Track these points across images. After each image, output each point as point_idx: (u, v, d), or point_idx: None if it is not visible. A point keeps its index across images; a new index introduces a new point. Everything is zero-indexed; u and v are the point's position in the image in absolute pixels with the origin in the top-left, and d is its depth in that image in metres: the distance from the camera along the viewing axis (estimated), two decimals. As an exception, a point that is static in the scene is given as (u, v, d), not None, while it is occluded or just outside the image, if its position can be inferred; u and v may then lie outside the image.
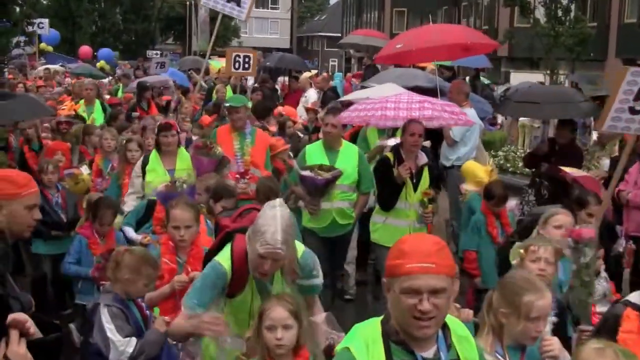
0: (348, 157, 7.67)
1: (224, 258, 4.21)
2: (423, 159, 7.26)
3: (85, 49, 35.41)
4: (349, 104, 9.36)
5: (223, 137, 8.36)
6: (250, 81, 19.63)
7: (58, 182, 8.01)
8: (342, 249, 8.04)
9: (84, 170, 8.74)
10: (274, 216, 3.98)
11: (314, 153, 7.69)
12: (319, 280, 4.50)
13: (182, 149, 7.72)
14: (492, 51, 17.31)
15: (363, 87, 16.13)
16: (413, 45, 10.89)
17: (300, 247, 4.38)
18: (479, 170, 8.26)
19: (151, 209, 6.85)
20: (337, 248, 7.84)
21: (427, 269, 2.65)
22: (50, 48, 30.93)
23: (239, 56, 12.18)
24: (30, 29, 19.53)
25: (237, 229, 4.29)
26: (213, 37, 13.23)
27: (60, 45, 36.53)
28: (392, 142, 8.40)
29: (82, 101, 12.84)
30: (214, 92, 15.54)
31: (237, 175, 8.12)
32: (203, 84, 17.19)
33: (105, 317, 4.38)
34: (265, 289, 4.25)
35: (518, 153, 16.90)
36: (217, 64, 23.43)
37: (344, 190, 7.59)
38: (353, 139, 9.21)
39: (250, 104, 8.73)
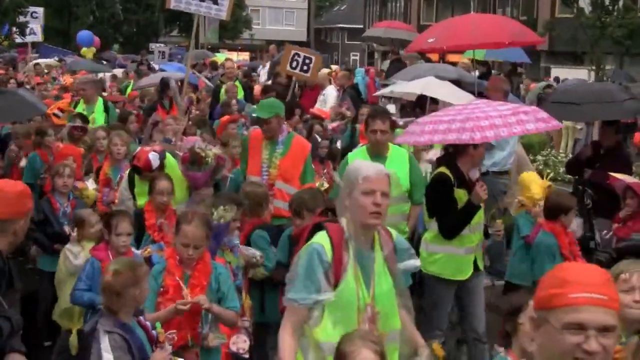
0: (398, 163, 7.35)
1: (319, 237, 4.23)
2: (476, 172, 6.96)
3: (96, 39, 34.63)
4: (374, 103, 9.36)
5: (253, 144, 8.22)
6: (263, 77, 19.70)
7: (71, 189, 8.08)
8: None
9: (90, 184, 8.71)
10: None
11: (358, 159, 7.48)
12: (417, 260, 4.58)
13: (169, 157, 7.79)
14: (532, 45, 17.30)
15: (385, 85, 16.22)
16: (446, 42, 10.89)
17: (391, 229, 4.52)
18: (534, 185, 7.78)
19: (141, 219, 6.96)
20: None
21: (596, 300, 2.42)
22: (90, 52, 30.48)
23: (298, 55, 12.02)
24: (22, 18, 19.73)
25: (325, 220, 4.42)
26: (194, 30, 12.85)
27: (53, 37, 36.63)
28: (432, 154, 8.30)
29: (81, 100, 12.67)
30: (223, 91, 15.53)
31: None
32: (207, 82, 17.13)
33: (104, 346, 4.41)
34: (367, 273, 4.23)
35: (559, 158, 16.88)
36: (222, 56, 23.63)
37: (395, 202, 7.15)
38: None
39: (283, 112, 8.40)
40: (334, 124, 10.95)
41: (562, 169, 14.50)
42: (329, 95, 15.69)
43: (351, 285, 4.15)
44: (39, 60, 24.48)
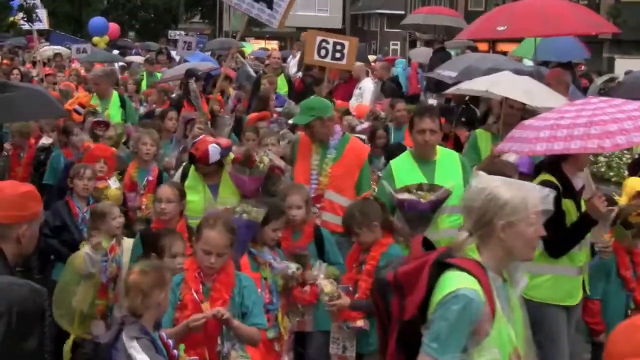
0: (449, 168, 7.07)
1: (466, 281, 3.80)
2: (579, 179, 6.60)
3: (113, 27, 34.46)
4: (416, 96, 9.20)
5: (303, 147, 7.91)
6: (293, 69, 19.64)
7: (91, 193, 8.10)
8: None
9: (113, 183, 8.60)
10: (508, 182, 3.92)
11: (403, 168, 7.12)
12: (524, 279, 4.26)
13: (229, 157, 7.55)
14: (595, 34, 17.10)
15: (430, 78, 16.11)
16: (521, 30, 10.74)
17: None
18: None
19: (148, 238, 6.68)
20: None
21: None
22: (103, 41, 30.59)
23: (326, 41, 11.33)
24: (28, 3, 19.87)
25: (444, 255, 4.00)
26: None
27: (64, 23, 36.88)
28: (512, 157, 8.12)
29: (94, 95, 12.58)
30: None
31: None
32: (251, 71, 16.77)
33: (135, 350, 4.45)
34: (506, 312, 3.95)
35: (624, 159, 16.64)
36: (249, 46, 23.59)
37: (450, 213, 6.90)
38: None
39: (328, 112, 7.99)
40: (365, 125, 10.80)
41: (627, 172, 14.29)
42: (366, 89, 15.59)
43: (503, 331, 3.88)
44: (48, 48, 24.60)
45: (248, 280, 5.56)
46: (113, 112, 12.12)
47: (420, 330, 3.85)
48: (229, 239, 5.41)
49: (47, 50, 24.07)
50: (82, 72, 19.54)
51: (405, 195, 6.70)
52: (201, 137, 7.71)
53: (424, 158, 7.07)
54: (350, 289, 6.21)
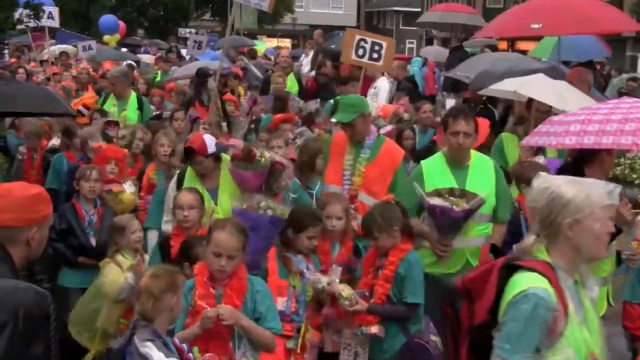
0: (482, 175, 7.02)
1: (536, 281, 3.83)
2: None
3: (120, 25, 33.91)
4: (433, 96, 9.17)
5: (336, 147, 7.85)
6: (306, 67, 19.62)
7: (99, 195, 8.09)
8: None
9: (128, 187, 8.63)
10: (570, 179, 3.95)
11: (435, 170, 7.07)
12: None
13: (226, 158, 7.51)
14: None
15: (447, 77, 16.08)
16: (557, 29, 10.67)
17: None
18: None
19: (166, 247, 6.69)
20: None
21: None
22: (114, 40, 30.61)
23: (364, 41, 11.22)
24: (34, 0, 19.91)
25: (512, 258, 4.00)
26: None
27: (70, 20, 36.89)
28: (541, 160, 8.02)
29: (111, 95, 12.53)
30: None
31: None
32: (256, 71, 16.76)
33: (149, 348, 4.49)
34: (580, 314, 3.95)
35: (648, 161, 16.54)
36: (261, 45, 23.53)
37: (479, 222, 6.97)
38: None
39: (368, 108, 8.04)
40: (389, 128, 10.75)
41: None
42: (381, 89, 15.54)
43: (577, 333, 3.86)
44: (55, 47, 24.63)
45: (261, 284, 5.56)
46: (130, 114, 12.09)
47: (491, 335, 3.87)
48: (240, 241, 5.41)
49: (54, 48, 24.10)
50: (91, 71, 19.59)
51: (437, 201, 6.67)
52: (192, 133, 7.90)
53: (457, 162, 7.02)
54: (367, 294, 6.21)
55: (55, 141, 10.31)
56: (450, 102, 14.63)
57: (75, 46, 24.63)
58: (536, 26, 10.91)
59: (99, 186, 8.06)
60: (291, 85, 14.67)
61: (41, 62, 21.19)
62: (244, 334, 5.27)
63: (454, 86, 15.32)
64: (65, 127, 10.19)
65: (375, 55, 11.20)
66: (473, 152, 7.15)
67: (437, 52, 21.71)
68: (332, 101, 8.84)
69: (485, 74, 12.23)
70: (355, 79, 12.67)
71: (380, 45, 11.23)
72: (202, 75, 13.02)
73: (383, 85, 15.62)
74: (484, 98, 12.83)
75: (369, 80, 15.82)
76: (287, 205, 6.53)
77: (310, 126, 10.80)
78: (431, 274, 6.72)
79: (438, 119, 11.73)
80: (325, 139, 8.31)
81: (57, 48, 24.72)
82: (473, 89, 12.56)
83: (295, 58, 24.31)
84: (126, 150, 9.40)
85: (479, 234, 6.93)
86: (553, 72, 10.70)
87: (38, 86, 8.77)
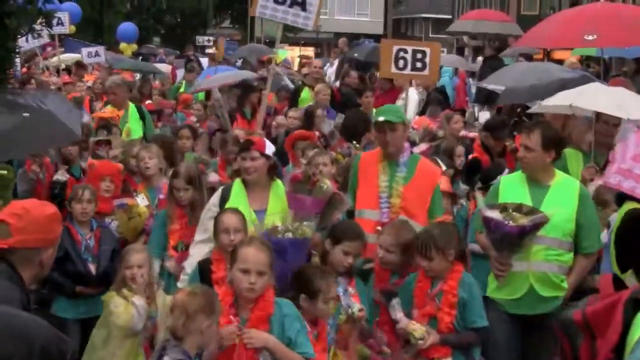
0: (562, 197, 6.83)
1: None
2: None
3: None
4: (463, 110, 9.08)
5: (366, 167, 7.53)
6: (331, 78, 19.66)
7: (97, 217, 7.95)
8: (543, 340, 6.85)
9: (141, 200, 8.54)
10: None
11: (512, 186, 7.00)
12: None
13: (278, 181, 7.21)
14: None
15: (480, 88, 16.07)
16: (615, 39, 10.61)
17: None
18: None
19: (207, 273, 6.31)
20: (535, 337, 6.87)
21: None
22: (130, 49, 30.45)
23: (404, 50, 10.71)
24: (47, 7, 20.06)
25: (638, 290, 3.88)
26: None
27: (84, 28, 37.02)
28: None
29: (108, 106, 12.42)
30: (307, 95, 14.59)
31: (379, 228, 7.14)
32: (287, 81, 16.67)
33: None
34: None
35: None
36: (283, 53, 23.47)
37: (550, 246, 6.75)
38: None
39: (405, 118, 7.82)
40: (423, 147, 10.67)
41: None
42: (410, 100, 15.49)
43: None
44: (66, 56, 24.72)
45: (289, 307, 5.53)
46: (133, 125, 11.88)
47: None
48: (269, 256, 5.45)
49: (66, 57, 24.19)
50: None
51: (494, 214, 6.58)
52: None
53: (537, 180, 6.90)
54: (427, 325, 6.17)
55: (61, 176, 9.93)
56: (484, 115, 14.63)
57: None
58: (591, 37, 10.80)
59: (91, 207, 7.83)
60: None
61: (57, 71, 21.31)
62: (275, 356, 5.28)
63: (487, 98, 15.34)
64: (75, 142, 10.01)
65: (419, 65, 10.74)
66: (558, 172, 7.01)
67: (456, 63, 21.67)
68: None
69: (513, 88, 12.23)
70: (370, 89, 12.64)
71: (424, 53, 10.79)
72: (247, 87, 12.86)
73: (412, 96, 15.61)
74: (518, 110, 12.84)
75: (397, 91, 15.83)
76: (312, 224, 6.39)
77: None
78: (493, 298, 6.70)
79: (472, 133, 11.72)
80: (355, 159, 7.97)
81: (69, 57, 24.82)
82: (502, 102, 12.58)
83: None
84: (121, 165, 9.22)
85: (547, 259, 6.72)
86: (586, 82, 10.70)
87: (41, 112, 8.45)
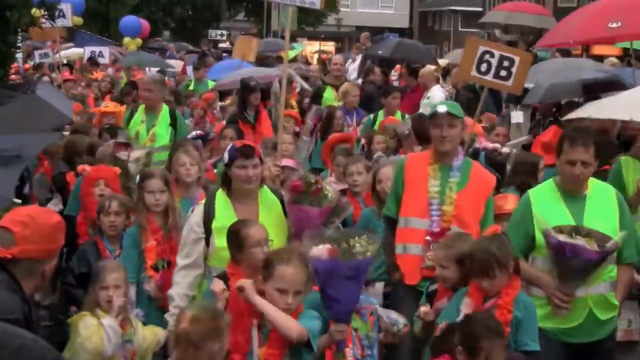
0: (602, 208, 6.58)
1: None
2: None
3: (143, 25, 33.99)
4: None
5: (414, 169, 7.19)
6: (353, 75, 19.67)
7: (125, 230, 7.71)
8: None
9: None
10: None
11: (545, 201, 6.67)
12: None
13: (266, 188, 6.88)
14: None
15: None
16: (632, 26, 10.50)
17: None
18: None
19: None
20: None
21: None
22: (135, 44, 30.67)
23: (490, 54, 10.19)
24: (49, -1, 20.16)
25: None
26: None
27: (89, 21, 37.17)
28: None
29: (142, 106, 11.76)
30: (330, 95, 14.55)
31: (428, 238, 6.94)
32: (303, 83, 16.49)
33: None
34: None
35: None
36: (299, 47, 23.37)
37: (607, 264, 6.48)
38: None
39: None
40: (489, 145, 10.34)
41: None
42: (435, 99, 15.53)
43: None
44: (70, 52, 24.77)
45: (311, 318, 5.53)
46: (161, 130, 11.39)
47: None
48: (306, 274, 5.46)
49: (68, 53, 24.29)
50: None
51: (561, 237, 6.22)
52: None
53: (572, 192, 6.61)
54: None
55: (55, 206, 9.33)
56: (517, 115, 14.59)
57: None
58: (615, 25, 10.68)
59: (121, 220, 7.69)
60: (329, 96, 14.58)
61: (64, 65, 21.39)
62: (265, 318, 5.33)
63: (519, 96, 15.31)
64: (90, 145, 9.97)
65: (503, 73, 10.14)
66: (591, 180, 6.70)
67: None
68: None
69: (539, 86, 12.23)
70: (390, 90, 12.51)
71: (512, 61, 10.18)
72: (246, 88, 12.44)
73: (438, 95, 15.58)
74: (554, 109, 12.83)
75: (421, 89, 15.83)
76: (376, 238, 6.03)
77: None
78: (546, 328, 6.35)
79: (491, 144, 11.64)
80: (400, 162, 7.56)
81: (71, 52, 24.90)
82: (529, 102, 12.56)
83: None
84: (118, 168, 9.00)
85: (602, 279, 6.48)
86: (615, 83, 10.69)
87: (31, 98, 8.36)
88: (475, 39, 11.36)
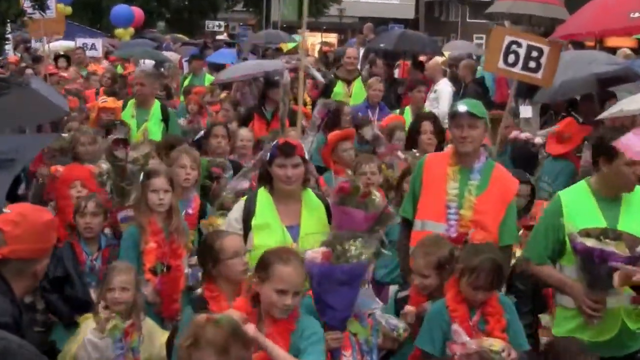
0: (637, 210, 6.44)
1: None
2: None
3: (137, 14, 34.19)
4: (503, 104, 8.77)
5: (433, 170, 7.07)
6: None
7: (104, 231, 7.68)
8: None
9: None
10: None
11: (577, 203, 6.51)
12: None
13: (309, 191, 6.84)
14: None
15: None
16: None
17: None
18: None
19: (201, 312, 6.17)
20: None
21: None
22: (128, 34, 30.65)
23: (517, 44, 10.03)
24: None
25: None
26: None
27: (80, 12, 37.07)
28: None
29: (131, 100, 11.92)
30: (339, 87, 14.48)
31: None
32: (318, 75, 16.37)
33: None
34: None
35: None
36: (298, 39, 23.31)
37: None
38: None
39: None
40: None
41: None
42: (443, 93, 15.51)
43: None
44: (57, 44, 24.68)
45: (310, 321, 5.56)
46: (153, 126, 11.50)
47: None
48: (304, 274, 5.50)
49: (56, 45, 24.23)
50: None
51: (594, 243, 6.05)
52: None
53: (608, 194, 6.44)
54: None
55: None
56: (526, 111, 14.54)
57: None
58: (637, 15, 10.55)
59: (98, 221, 7.62)
60: (358, 93, 14.56)
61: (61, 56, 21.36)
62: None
63: (529, 91, 15.26)
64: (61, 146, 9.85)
65: (532, 64, 9.98)
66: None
67: (462, 48, 21.63)
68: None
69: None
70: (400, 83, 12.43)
71: (540, 51, 10.02)
72: (268, 83, 12.39)
73: (445, 89, 15.60)
74: (566, 105, 12.82)
75: (430, 83, 15.76)
76: (373, 242, 6.02)
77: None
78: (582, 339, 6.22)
79: (516, 132, 11.61)
80: (419, 163, 7.40)
81: (61, 45, 24.83)
82: (540, 100, 12.52)
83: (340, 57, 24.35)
84: (93, 167, 8.96)
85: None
86: (630, 75, 10.64)
87: (22, 90, 8.32)
88: (501, 28, 11.49)
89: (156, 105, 11.77)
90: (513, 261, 7.43)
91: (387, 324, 6.13)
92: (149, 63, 21.17)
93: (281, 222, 6.56)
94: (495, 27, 11.05)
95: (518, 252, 7.56)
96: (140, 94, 11.74)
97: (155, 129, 11.40)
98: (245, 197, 6.89)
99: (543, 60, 9.95)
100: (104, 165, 9.17)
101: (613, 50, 19.42)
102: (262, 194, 6.68)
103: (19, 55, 24.53)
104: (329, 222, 6.69)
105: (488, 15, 31.98)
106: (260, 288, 5.43)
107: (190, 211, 8.16)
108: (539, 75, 10.03)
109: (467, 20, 73.54)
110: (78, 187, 8.48)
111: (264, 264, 5.48)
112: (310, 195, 6.77)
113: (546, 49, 10.02)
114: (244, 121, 12.07)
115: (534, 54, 9.91)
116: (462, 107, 6.94)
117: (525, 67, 9.96)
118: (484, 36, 66.38)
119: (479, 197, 6.84)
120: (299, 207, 6.65)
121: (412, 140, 10.45)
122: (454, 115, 7.01)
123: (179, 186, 8.09)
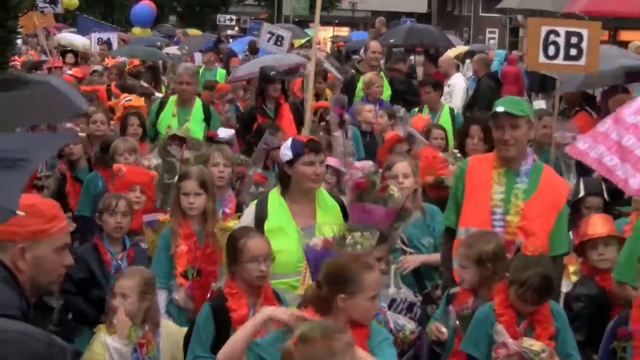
0: None
1: None
2: None
3: (152, 8, 33.81)
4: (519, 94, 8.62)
5: (476, 174, 6.70)
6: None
7: (131, 233, 7.45)
8: None
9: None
10: None
11: None
12: None
13: (323, 190, 6.66)
14: None
15: (533, 74, 15.99)
16: None
17: None
18: None
19: (221, 312, 5.96)
20: None
21: None
22: (145, 34, 30.38)
23: (555, 33, 9.52)
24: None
25: None
26: None
27: (91, 5, 37.08)
28: None
29: (172, 98, 11.80)
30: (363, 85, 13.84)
31: None
32: (334, 71, 16.19)
33: None
34: None
35: None
36: (311, 33, 23.28)
37: None
38: None
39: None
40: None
41: None
42: (456, 87, 15.50)
43: None
44: (60, 36, 24.59)
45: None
46: (195, 125, 11.20)
47: None
48: (270, 244, 5.88)
49: (63, 37, 24.17)
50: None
51: None
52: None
53: None
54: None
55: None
56: (539, 104, 14.56)
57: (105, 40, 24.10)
58: None
59: (127, 221, 7.35)
60: (384, 87, 14.08)
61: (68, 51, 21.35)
62: None
63: (541, 84, 15.28)
64: (103, 141, 9.73)
65: (573, 52, 9.43)
66: None
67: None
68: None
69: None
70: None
71: (579, 36, 9.48)
72: (265, 79, 11.90)
73: (458, 83, 15.58)
74: (580, 99, 12.82)
75: (442, 77, 15.76)
76: (374, 234, 5.96)
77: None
78: None
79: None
80: (461, 165, 7.11)
81: (68, 38, 24.80)
82: (564, 90, 12.49)
83: (355, 51, 24.32)
84: (155, 173, 8.68)
85: None
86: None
87: (42, 85, 8.16)
88: (536, 18, 10.97)
89: (198, 103, 11.63)
90: (574, 279, 7.12)
91: (394, 324, 6.05)
92: (197, 57, 21.15)
93: (296, 224, 6.31)
94: (530, 19, 10.65)
95: (572, 268, 7.25)
96: (184, 94, 11.57)
97: (197, 129, 11.08)
98: (255, 202, 6.65)
99: (584, 45, 9.48)
100: (155, 160, 8.95)
101: (625, 44, 19.43)
102: (274, 196, 6.48)
103: (30, 48, 24.56)
104: (345, 221, 6.37)
105: (501, 10, 31.99)
106: (238, 266, 5.78)
107: (227, 210, 7.98)
108: (582, 62, 9.56)
109: (480, 14, 73.36)
110: (137, 192, 8.24)
111: (232, 246, 5.82)
112: (324, 194, 6.55)
113: (585, 31, 9.56)
114: (247, 122, 11.69)
115: (574, 40, 9.46)
116: (499, 107, 6.52)
117: (567, 56, 9.53)
118: (496, 30, 66.41)
119: (527, 201, 6.44)
120: (313, 207, 6.41)
121: (460, 143, 10.04)
122: (493, 116, 6.62)
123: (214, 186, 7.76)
